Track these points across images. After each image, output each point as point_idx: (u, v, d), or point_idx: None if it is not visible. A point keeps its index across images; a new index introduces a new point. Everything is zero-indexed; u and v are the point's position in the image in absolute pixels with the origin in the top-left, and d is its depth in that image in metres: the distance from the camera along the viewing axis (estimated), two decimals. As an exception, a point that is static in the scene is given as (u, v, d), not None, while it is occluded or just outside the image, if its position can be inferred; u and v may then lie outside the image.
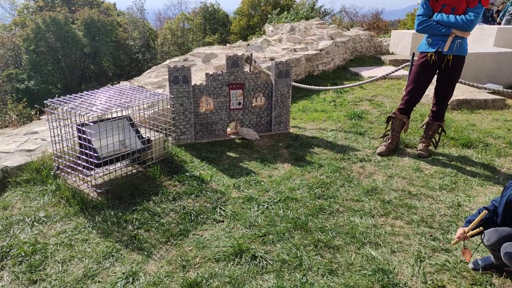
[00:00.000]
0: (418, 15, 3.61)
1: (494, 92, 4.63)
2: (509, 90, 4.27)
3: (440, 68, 3.61)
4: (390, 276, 2.19)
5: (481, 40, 9.01)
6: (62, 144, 3.24)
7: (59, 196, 3.01)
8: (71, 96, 3.35)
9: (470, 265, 2.26)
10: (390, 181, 3.35)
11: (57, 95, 3.62)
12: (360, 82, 5.36)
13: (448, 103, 3.91)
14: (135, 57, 27.77)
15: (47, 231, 2.65)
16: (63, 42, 22.51)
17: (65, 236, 2.60)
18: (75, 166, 3.15)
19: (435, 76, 3.74)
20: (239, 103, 4.42)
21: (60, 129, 3.18)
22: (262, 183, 3.33)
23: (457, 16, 3.38)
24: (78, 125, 3.08)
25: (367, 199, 3.05)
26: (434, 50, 3.52)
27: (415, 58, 3.84)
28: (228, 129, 4.61)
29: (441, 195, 3.10)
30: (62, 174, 3.26)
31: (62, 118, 3.17)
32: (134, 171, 3.42)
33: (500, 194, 2.15)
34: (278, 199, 3.05)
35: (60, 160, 3.26)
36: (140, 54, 27.76)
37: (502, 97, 5.50)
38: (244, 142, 4.27)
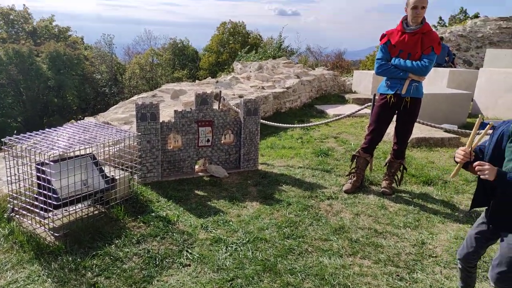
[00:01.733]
0: (377, 59, 3.83)
1: (450, 131, 4.91)
2: (462, 130, 4.54)
3: (399, 109, 3.81)
4: (360, 319, 2.17)
5: (436, 81, 9.66)
6: (19, 184, 3.06)
7: (12, 241, 2.80)
8: (31, 133, 3.22)
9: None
10: (357, 219, 3.39)
11: (15, 131, 3.46)
12: (326, 120, 5.54)
13: (408, 141, 4.10)
14: (102, 91, 27.38)
15: (-4, 281, 2.43)
16: (26, 74, 21.90)
17: (16, 286, 2.39)
18: (32, 207, 2.97)
19: (395, 116, 3.93)
20: (208, 140, 4.41)
21: (18, 168, 3.02)
22: (231, 223, 3.27)
23: (413, 62, 3.62)
24: (38, 164, 2.94)
25: (335, 238, 3.06)
26: (393, 92, 3.73)
27: (376, 98, 4.04)
28: (196, 166, 4.55)
29: (406, 233, 3.17)
30: (17, 216, 3.06)
31: (21, 156, 3.02)
32: (96, 212, 3.27)
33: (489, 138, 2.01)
34: (247, 239, 3.00)
35: (15, 202, 3.07)
36: (107, 88, 27.42)
37: (457, 136, 5.84)
38: (213, 180, 4.23)
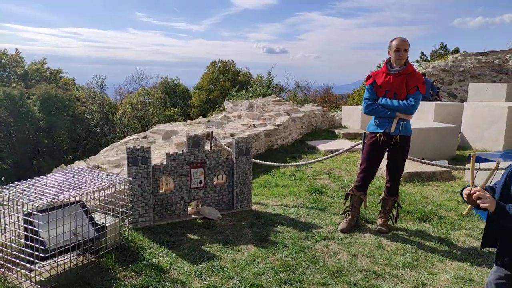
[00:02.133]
0: (365, 99, 3.92)
1: (442, 166, 4.96)
2: (455, 166, 4.60)
3: (389, 147, 3.85)
4: None
5: (422, 115, 9.87)
6: (5, 235, 2.96)
7: (-5, 298, 2.67)
8: (19, 182, 3.16)
9: None
10: (355, 260, 3.32)
11: (3, 177, 3.39)
12: (319, 159, 5.56)
13: (400, 178, 4.11)
14: (93, 130, 27.35)
15: None
16: (16, 117, 21.85)
17: None
18: (18, 260, 2.85)
19: (386, 153, 3.97)
20: (200, 182, 4.37)
21: (4, 218, 2.92)
22: (226, 268, 3.17)
23: (400, 101, 3.71)
24: (25, 214, 2.85)
25: (334, 282, 2.97)
26: (382, 131, 3.78)
27: (366, 136, 4.09)
28: (189, 209, 4.48)
29: (405, 273, 3.10)
30: (2, 270, 2.92)
31: (8, 205, 2.93)
32: (86, 262, 3.15)
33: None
34: (243, 287, 2.89)
35: (0, 254, 2.94)
36: (98, 128, 27.42)
37: (448, 169, 5.89)
38: (206, 222, 4.14)
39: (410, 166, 5.92)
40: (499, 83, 11.97)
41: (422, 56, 25.22)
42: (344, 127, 11.25)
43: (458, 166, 4.49)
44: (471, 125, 8.30)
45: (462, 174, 6.00)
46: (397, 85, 3.72)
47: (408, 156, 4.20)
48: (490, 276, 2.09)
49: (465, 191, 1.95)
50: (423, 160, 4.67)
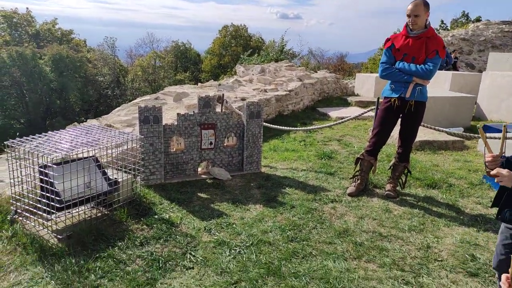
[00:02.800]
0: (382, 63, 3.82)
1: (455, 134, 4.89)
2: (468, 134, 4.52)
3: (403, 112, 3.79)
4: (366, 324, 2.14)
5: (438, 84, 9.64)
6: (22, 186, 3.06)
7: (15, 243, 2.79)
8: (34, 136, 3.22)
9: None
10: (361, 222, 3.37)
11: (18, 133, 3.46)
12: (330, 124, 5.52)
13: (412, 145, 4.08)
14: (104, 93, 27.47)
15: (-2, 284, 2.42)
16: (29, 77, 21.98)
17: (19, 288, 2.38)
18: (35, 210, 2.96)
19: (400, 119, 3.91)
20: (211, 143, 4.40)
21: (21, 170, 3.01)
22: (234, 225, 3.25)
23: (417, 66, 3.61)
24: (40, 166, 2.93)
25: (340, 241, 3.03)
26: (397, 95, 3.71)
27: (380, 101, 4.02)
28: (199, 169, 4.54)
29: (411, 236, 3.15)
30: (20, 218, 3.05)
31: (24, 158, 3.01)
32: (99, 214, 3.26)
33: None
34: (251, 242, 2.98)
35: (18, 204, 3.06)
36: (110, 90, 27.51)
37: (461, 139, 5.81)
38: (216, 182, 4.21)
39: (422, 135, 5.85)
40: (521, 53, 11.52)
41: (442, 25, 24.28)
42: (357, 95, 11.08)
43: (472, 135, 4.42)
44: (488, 95, 8.10)
45: (475, 144, 5.93)
46: (416, 48, 3.61)
47: (422, 123, 4.14)
48: (498, 239, 2.11)
49: (488, 158, 1.93)
50: (437, 127, 4.60)
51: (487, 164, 1.93)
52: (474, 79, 9.41)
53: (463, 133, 4.63)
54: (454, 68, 12.98)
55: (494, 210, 2.56)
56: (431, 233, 3.21)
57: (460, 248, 2.97)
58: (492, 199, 2.05)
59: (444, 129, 4.66)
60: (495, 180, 1.87)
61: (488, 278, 2.60)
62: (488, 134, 4.15)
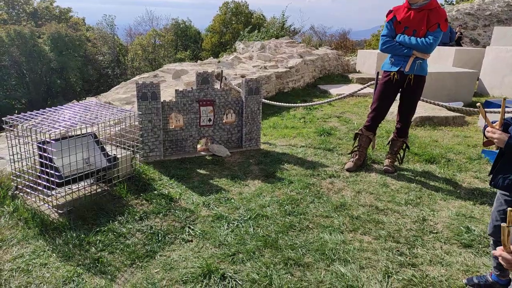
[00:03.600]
0: (382, 36, 3.76)
1: (454, 109, 4.85)
2: (468, 108, 4.49)
3: (402, 87, 3.76)
4: (359, 292, 2.20)
5: (441, 60, 9.50)
6: (22, 162, 3.09)
7: (17, 218, 2.85)
8: (32, 112, 3.22)
9: (464, 281, 2.28)
10: (358, 197, 3.40)
11: (16, 112, 3.46)
12: (329, 100, 5.49)
13: (412, 120, 4.06)
14: (105, 72, 27.25)
15: (1, 256, 2.48)
16: (28, 56, 21.77)
17: (22, 260, 2.44)
18: (35, 185, 3.00)
19: (399, 94, 3.89)
20: (210, 120, 4.40)
21: (20, 147, 3.03)
22: (232, 200, 3.29)
23: (418, 39, 3.55)
24: (39, 142, 2.95)
25: (336, 215, 3.07)
26: (396, 69, 3.67)
27: (380, 76, 3.99)
28: (199, 146, 4.56)
29: (407, 210, 3.18)
30: (21, 194, 3.09)
31: (23, 135, 3.03)
32: (99, 190, 3.30)
33: None
34: (248, 216, 3.02)
35: (19, 180, 3.10)
36: (110, 70, 27.28)
37: (462, 115, 5.78)
38: (215, 159, 4.24)
39: (422, 111, 5.82)
40: (527, 28, 11.28)
41: (447, -1, 23.67)
42: (359, 72, 10.96)
43: (472, 109, 4.39)
44: (491, 71, 7.99)
45: (475, 119, 5.90)
46: (417, 21, 3.54)
47: (422, 98, 4.11)
48: (493, 205, 2.14)
49: (489, 128, 1.96)
50: (436, 102, 4.57)
51: (486, 134, 1.95)
52: (478, 55, 9.26)
53: (463, 107, 4.60)
54: (458, 44, 12.76)
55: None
56: (428, 206, 3.24)
57: (456, 220, 3.01)
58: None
59: (443, 104, 4.63)
60: (486, 134, 1.90)
61: (482, 248, 2.64)
62: (488, 109, 4.13)
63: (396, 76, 3.69)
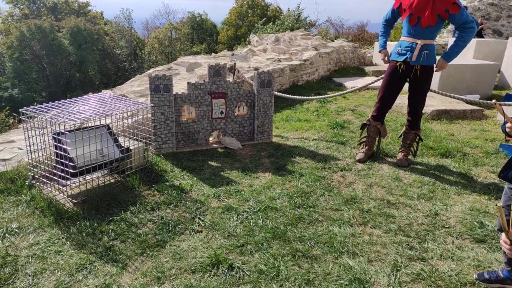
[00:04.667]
0: (383, 19, 3.91)
1: (472, 102, 4.73)
2: (484, 101, 4.37)
3: (409, 77, 3.69)
4: (366, 286, 2.19)
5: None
6: (38, 153, 3.18)
7: (33, 207, 2.94)
8: (48, 104, 3.31)
9: (475, 276, 2.25)
10: (370, 190, 3.37)
11: (35, 103, 3.56)
12: (341, 93, 5.43)
13: (424, 112, 3.99)
14: (122, 66, 27.65)
15: (19, 243, 2.57)
16: (48, 50, 22.29)
17: (38, 248, 2.53)
18: (51, 176, 3.08)
19: (407, 85, 3.82)
20: (222, 112, 4.42)
21: (37, 138, 3.12)
22: (243, 192, 3.31)
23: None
24: (54, 134, 3.02)
25: (346, 208, 3.06)
26: (402, 59, 3.60)
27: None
28: (211, 138, 4.59)
29: (419, 204, 3.13)
30: (38, 184, 3.19)
31: (39, 127, 3.11)
32: (113, 180, 3.37)
33: None
34: (258, 208, 3.04)
35: (35, 170, 3.19)
36: (127, 63, 27.66)
37: (480, 108, 5.63)
38: (226, 152, 4.26)
39: (439, 104, 5.70)
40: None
41: (469, -11, 22.92)
42: (375, 65, 10.78)
43: (487, 101, 4.26)
44: (513, 63, 7.73)
45: (494, 113, 5.74)
46: (421, 7, 3.43)
47: (438, 90, 4.02)
48: (501, 200, 2.09)
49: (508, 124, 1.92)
50: (451, 94, 4.46)
51: (507, 131, 1.90)
52: (500, 47, 8.97)
53: (480, 100, 4.47)
54: (480, 35, 12.38)
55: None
56: (440, 201, 3.19)
57: (469, 215, 2.95)
58: None
59: (458, 96, 4.51)
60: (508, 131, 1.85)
61: (495, 244, 2.58)
62: (508, 103, 4.01)
63: (402, 66, 3.62)
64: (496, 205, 3.10)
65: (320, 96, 5.89)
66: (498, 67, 7.71)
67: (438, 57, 3.66)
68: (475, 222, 2.84)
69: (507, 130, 1.90)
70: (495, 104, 1.98)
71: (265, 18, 18.28)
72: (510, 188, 2.02)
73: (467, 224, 2.83)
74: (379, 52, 3.93)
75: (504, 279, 2.16)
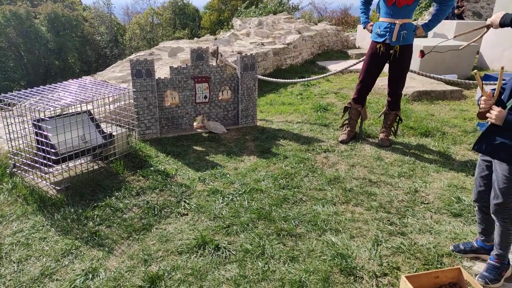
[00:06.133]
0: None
1: (450, 82, 4.82)
2: (464, 81, 4.46)
3: (389, 59, 3.74)
4: (349, 260, 2.26)
5: (442, 34, 9.35)
6: (19, 141, 3.12)
7: (15, 195, 2.91)
8: (26, 90, 3.24)
9: (451, 247, 2.35)
10: (352, 170, 3.44)
11: (14, 91, 3.47)
12: (324, 75, 5.46)
13: (405, 93, 4.06)
14: (103, 53, 27.03)
15: (2, 231, 2.55)
16: (25, 37, 21.58)
17: (22, 235, 2.51)
18: (33, 163, 3.04)
19: (387, 66, 3.87)
20: (205, 97, 4.40)
21: (16, 125, 3.06)
22: (228, 175, 3.34)
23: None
24: (35, 121, 2.97)
25: (330, 188, 3.12)
26: (382, 40, 3.65)
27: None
28: (195, 123, 4.58)
29: (400, 182, 3.22)
30: (19, 172, 3.14)
31: (18, 114, 3.05)
32: (96, 167, 3.35)
33: None
34: (243, 190, 3.07)
35: (16, 158, 3.14)
36: (108, 50, 27.05)
37: (460, 88, 5.75)
38: (211, 136, 4.27)
39: (420, 85, 5.79)
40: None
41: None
42: (358, 48, 10.82)
43: (466, 81, 4.36)
44: (491, 44, 7.88)
45: (473, 93, 5.87)
46: None
47: (418, 71, 4.09)
48: (475, 172, 2.17)
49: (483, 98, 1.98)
50: (431, 75, 4.54)
51: (480, 104, 1.96)
52: (479, 28, 9.10)
53: (458, 80, 4.57)
54: (460, 17, 12.51)
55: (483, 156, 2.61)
56: (420, 178, 3.28)
57: (447, 191, 3.05)
58: None
59: (437, 76, 4.60)
60: (486, 117, 1.92)
61: (471, 217, 2.69)
62: (486, 82, 4.11)
63: (382, 48, 3.67)
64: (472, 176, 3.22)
65: (304, 79, 5.91)
66: (477, 48, 7.85)
67: (424, 39, 3.71)
68: (452, 198, 2.94)
69: (482, 103, 1.96)
70: (475, 74, 2.01)
71: (248, 1, 18.04)
72: (483, 160, 2.10)
73: (445, 200, 2.93)
74: (364, 28, 3.93)
75: (478, 249, 2.26)
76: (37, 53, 22.51)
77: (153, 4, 33.03)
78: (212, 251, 2.37)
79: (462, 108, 5.22)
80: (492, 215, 2.05)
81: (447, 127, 4.49)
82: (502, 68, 2.00)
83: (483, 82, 2.15)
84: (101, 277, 2.17)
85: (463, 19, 12.15)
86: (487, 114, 1.93)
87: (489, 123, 1.96)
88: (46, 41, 22.54)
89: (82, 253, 2.36)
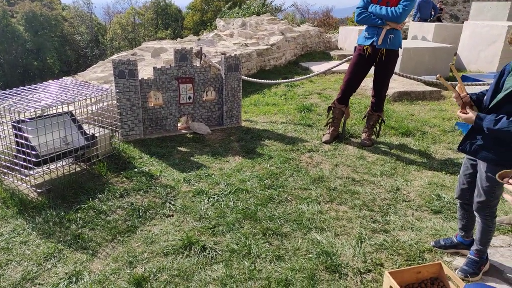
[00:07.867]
0: (357, 7, 3.80)
1: (430, 83, 4.95)
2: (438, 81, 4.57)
3: (375, 61, 3.82)
4: (333, 257, 2.30)
5: (421, 36, 9.58)
6: (-3, 143, 3.04)
7: (-6, 198, 2.83)
8: (5, 91, 3.16)
9: (432, 243, 2.41)
10: (336, 170, 3.49)
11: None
12: (308, 76, 5.52)
13: (386, 94, 4.15)
14: (83, 53, 26.52)
15: (-19, 235, 2.48)
16: (2, 37, 20.97)
17: (2, 239, 2.45)
18: (12, 165, 2.97)
19: (373, 69, 3.95)
20: (189, 98, 4.38)
21: (-6, 127, 2.98)
22: (213, 176, 3.34)
23: (388, 9, 3.60)
24: (14, 122, 2.90)
25: (314, 187, 3.16)
26: (369, 43, 3.72)
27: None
28: (179, 124, 4.55)
29: (382, 180, 3.29)
30: (-2, 175, 3.06)
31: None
32: (78, 169, 3.29)
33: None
34: (229, 191, 3.08)
35: (-5, 160, 3.06)
36: (89, 50, 26.56)
37: (439, 89, 5.90)
38: (196, 137, 4.25)
39: (400, 86, 5.92)
40: (503, 1, 11.42)
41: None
42: (340, 49, 10.97)
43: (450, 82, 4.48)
44: (468, 46, 8.12)
45: (451, 93, 6.02)
46: None
47: (398, 72, 4.18)
48: (460, 170, 2.25)
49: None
50: (410, 76, 4.65)
51: (455, 99, 2.06)
52: (457, 30, 9.35)
53: (436, 80, 4.69)
54: (438, 20, 12.83)
55: (462, 155, 2.70)
56: (402, 177, 3.36)
57: (428, 189, 3.13)
58: None
59: (417, 77, 4.72)
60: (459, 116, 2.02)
61: (450, 214, 2.77)
62: (464, 83, 4.23)
63: (369, 50, 3.74)
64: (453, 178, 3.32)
65: (288, 80, 5.96)
66: (454, 50, 8.07)
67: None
68: (433, 195, 3.02)
69: (455, 100, 2.05)
70: (439, 78, 2.14)
71: (231, 2, 18.04)
72: (468, 159, 2.18)
73: (425, 197, 3.01)
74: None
75: (457, 244, 2.33)
76: (14, 53, 21.91)
77: (135, 4, 32.60)
78: (198, 252, 2.37)
79: (441, 108, 5.36)
80: (474, 212, 2.12)
81: (427, 126, 4.61)
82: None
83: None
84: (85, 280, 2.14)
85: (441, 21, 12.47)
86: (458, 114, 2.02)
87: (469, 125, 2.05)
88: (24, 41, 21.97)
89: (65, 256, 2.32)
